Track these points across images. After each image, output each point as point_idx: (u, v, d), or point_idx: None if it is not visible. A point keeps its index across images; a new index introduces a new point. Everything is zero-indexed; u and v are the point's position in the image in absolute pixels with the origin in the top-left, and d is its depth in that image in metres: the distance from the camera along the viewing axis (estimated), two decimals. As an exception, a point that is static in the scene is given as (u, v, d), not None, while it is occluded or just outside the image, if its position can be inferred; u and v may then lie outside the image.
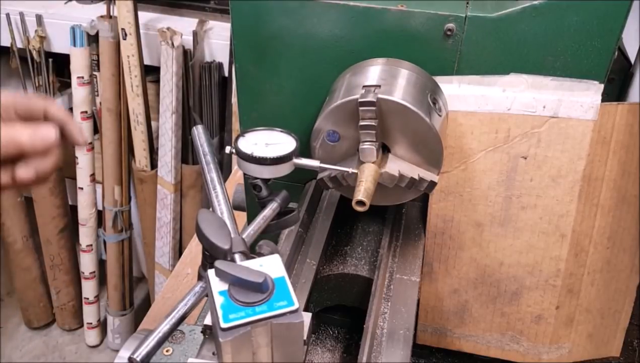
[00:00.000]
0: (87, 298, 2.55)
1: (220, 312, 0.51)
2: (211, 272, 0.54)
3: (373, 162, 0.78)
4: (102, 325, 2.64)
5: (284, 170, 0.76)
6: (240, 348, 0.51)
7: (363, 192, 0.75)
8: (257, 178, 0.77)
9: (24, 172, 0.71)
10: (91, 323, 2.61)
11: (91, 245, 2.43)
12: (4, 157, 0.70)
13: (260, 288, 0.52)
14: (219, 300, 0.52)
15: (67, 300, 2.62)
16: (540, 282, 0.97)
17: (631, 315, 1.06)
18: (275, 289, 0.53)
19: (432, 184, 0.80)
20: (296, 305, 0.52)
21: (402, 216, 1.00)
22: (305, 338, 0.56)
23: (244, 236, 0.68)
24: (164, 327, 0.59)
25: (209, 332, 0.66)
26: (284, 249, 0.85)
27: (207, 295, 0.56)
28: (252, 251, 0.65)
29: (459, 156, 0.90)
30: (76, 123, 0.79)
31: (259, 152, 0.75)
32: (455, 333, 1.04)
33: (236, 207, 1.11)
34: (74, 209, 2.46)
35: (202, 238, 0.60)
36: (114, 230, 2.38)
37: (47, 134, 0.71)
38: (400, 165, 0.80)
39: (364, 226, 1.01)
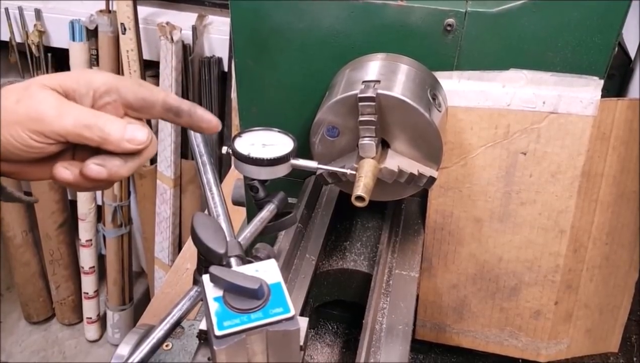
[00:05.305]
0: (87, 293, 2.55)
1: (214, 319, 0.50)
2: (206, 278, 0.53)
3: (372, 158, 0.78)
4: (102, 320, 2.65)
5: (281, 171, 0.76)
6: (235, 355, 0.50)
7: (362, 187, 0.74)
8: (254, 179, 0.76)
9: (96, 169, 0.60)
10: (91, 318, 2.61)
11: (90, 240, 2.43)
12: (82, 142, 0.60)
13: (256, 294, 0.51)
14: (213, 307, 0.51)
15: (66, 294, 2.62)
16: (539, 278, 0.97)
17: (630, 311, 1.06)
18: (271, 295, 0.52)
19: (432, 180, 0.80)
20: (292, 312, 0.51)
21: (401, 212, 0.99)
22: (301, 344, 0.56)
23: (240, 239, 0.67)
24: (159, 332, 0.59)
25: (204, 337, 0.65)
26: (284, 245, 0.85)
27: (202, 300, 0.55)
28: (249, 254, 0.65)
29: (458, 152, 0.89)
30: (203, 109, 0.68)
31: (256, 153, 0.74)
32: (454, 328, 1.04)
33: (235, 202, 1.10)
34: (73, 204, 2.45)
35: (198, 242, 0.59)
36: (113, 225, 2.38)
37: (139, 134, 0.61)
38: (399, 161, 0.80)
39: (364, 221, 1.00)
